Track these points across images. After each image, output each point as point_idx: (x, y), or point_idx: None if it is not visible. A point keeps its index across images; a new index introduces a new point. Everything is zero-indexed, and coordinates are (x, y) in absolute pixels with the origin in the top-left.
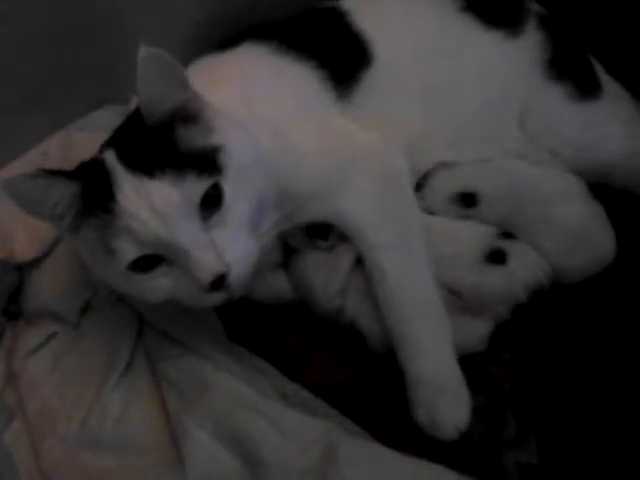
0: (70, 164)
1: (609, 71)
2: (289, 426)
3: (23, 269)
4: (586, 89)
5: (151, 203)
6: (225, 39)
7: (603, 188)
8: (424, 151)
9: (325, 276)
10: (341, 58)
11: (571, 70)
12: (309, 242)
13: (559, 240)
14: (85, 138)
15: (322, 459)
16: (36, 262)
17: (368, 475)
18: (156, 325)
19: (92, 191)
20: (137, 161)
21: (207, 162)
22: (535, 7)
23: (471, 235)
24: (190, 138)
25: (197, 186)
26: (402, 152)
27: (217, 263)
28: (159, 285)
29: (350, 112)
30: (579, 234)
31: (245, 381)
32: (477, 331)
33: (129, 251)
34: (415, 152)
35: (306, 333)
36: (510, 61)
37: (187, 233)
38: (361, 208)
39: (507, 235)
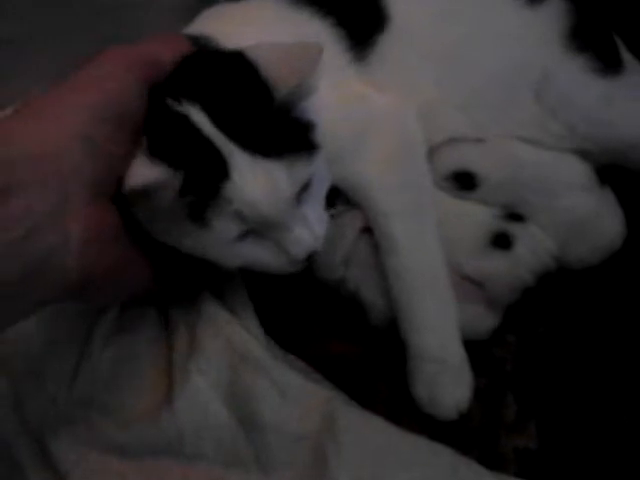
0: None
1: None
2: (291, 389)
3: None
4: (608, 63)
5: (269, 187)
6: None
7: (615, 170)
8: (436, 121)
9: (328, 245)
10: (358, 17)
11: (594, 43)
12: None
13: (564, 230)
14: None
15: (321, 426)
16: None
17: (366, 446)
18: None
19: (197, 173)
20: (256, 142)
21: (311, 142)
22: None
23: (475, 216)
24: (303, 116)
25: (306, 170)
26: (417, 119)
27: (312, 240)
28: (242, 254)
29: (365, 75)
30: (586, 224)
31: (256, 336)
32: (486, 322)
33: (232, 229)
34: (428, 122)
35: (306, 305)
36: (530, 28)
37: (290, 212)
38: (375, 173)
39: (514, 217)
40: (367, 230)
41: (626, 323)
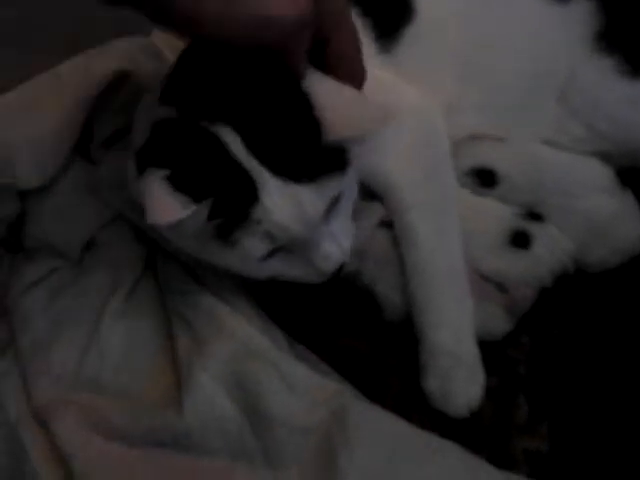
0: (86, 89)
1: None
2: (299, 382)
3: (26, 199)
4: (636, 65)
5: (298, 209)
6: None
7: (634, 173)
8: (457, 118)
9: None
10: (384, 8)
11: (623, 44)
12: None
13: (584, 232)
14: (101, 63)
15: (329, 420)
16: (40, 192)
17: (375, 441)
18: (175, 259)
19: (226, 197)
20: (289, 168)
21: (341, 158)
22: None
23: (495, 214)
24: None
25: (335, 188)
26: (441, 113)
27: (340, 254)
28: (271, 267)
29: (391, 66)
30: (605, 227)
31: (260, 329)
32: (501, 325)
33: (261, 248)
34: (449, 118)
35: (319, 298)
36: (557, 26)
37: (318, 229)
38: (400, 166)
39: (533, 216)
40: (384, 224)
41: None
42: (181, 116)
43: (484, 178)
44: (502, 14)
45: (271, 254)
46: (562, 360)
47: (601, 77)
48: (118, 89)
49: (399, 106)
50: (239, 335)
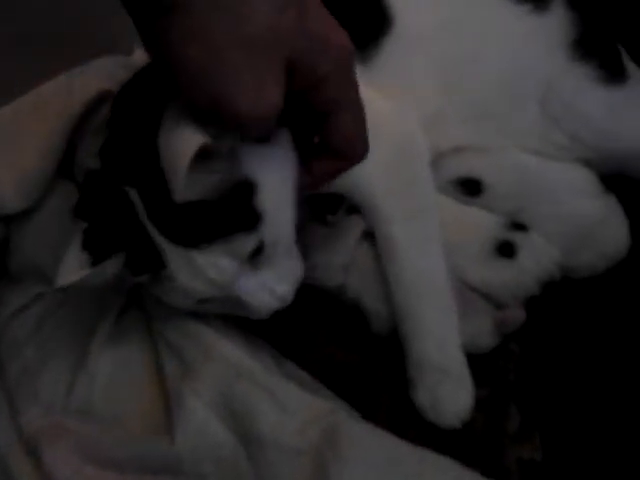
0: (68, 109)
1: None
2: (289, 402)
3: (10, 223)
4: (612, 72)
5: (201, 274)
6: None
7: (619, 179)
8: (441, 129)
9: (328, 251)
10: (361, 20)
11: (598, 52)
12: (316, 216)
13: (569, 237)
14: (84, 83)
15: (322, 440)
16: (24, 215)
17: (369, 460)
18: None
19: (138, 257)
20: (180, 233)
21: (250, 217)
22: None
23: (480, 224)
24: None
25: (247, 245)
26: (420, 124)
27: (273, 302)
28: (212, 308)
29: (369, 78)
30: (591, 231)
31: (247, 352)
32: (488, 338)
33: (187, 300)
34: (431, 128)
35: (307, 313)
36: (534, 36)
37: (241, 285)
38: (376, 177)
39: (518, 226)
40: (368, 236)
41: (630, 333)
42: (104, 171)
43: (469, 187)
44: (481, 26)
45: (204, 301)
46: (552, 367)
47: (579, 85)
48: (100, 109)
49: (374, 118)
50: (226, 359)
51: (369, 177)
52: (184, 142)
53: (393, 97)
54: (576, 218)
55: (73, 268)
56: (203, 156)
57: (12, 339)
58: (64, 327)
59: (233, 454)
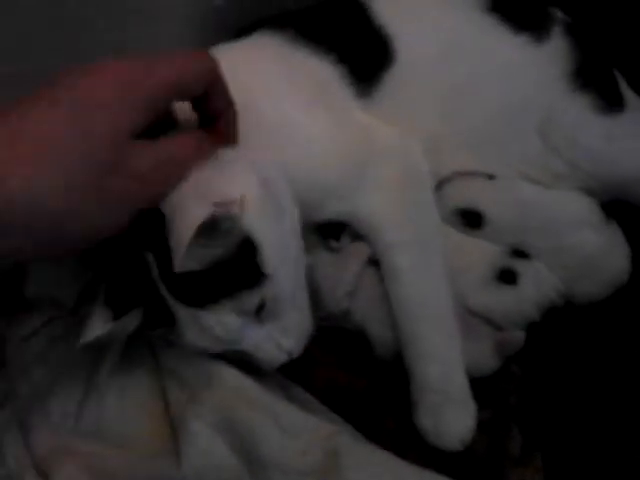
0: None
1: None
2: (292, 425)
3: None
4: (611, 101)
5: (207, 332)
6: (242, 27)
7: (620, 205)
8: (442, 155)
9: (333, 277)
10: (362, 54)
11: (596, 81)
12: (320, 242)
13: (571, 268)
14: None
15: (325, 462)
16: None
17: None
18: None
19: (153, 314)
20: (188, 296)
21: (254, 274)
22: (560, 15)
23: (482, 252)
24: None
25: (251, 301)
26: (422, 152)
27: (280, 355)
28: (226, 355)
29: (370, 109)
30: (593, 261)
31: (251, 376)
32: (490, 362)
33: (198, 349)
34: (433, 156)
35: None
36: (533, 66)
37: (248, 339)
38: (379, 205)
39: (519, 254)
40: (372, 262)
41: (631, 357)
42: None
43: (470, 219)
44: (480, 57)
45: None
46: (554, 389)
47: (578, 114)
48: None
49: (377, 146)
50: (230, 382)
51: (373, 205)
52: (184, 221)
53: (395, 126)
54: (578, 250)
55: (98, 324)
56: (209, 227)
57: (23, 361)
58: (74, 350)
59: (237, 476)
